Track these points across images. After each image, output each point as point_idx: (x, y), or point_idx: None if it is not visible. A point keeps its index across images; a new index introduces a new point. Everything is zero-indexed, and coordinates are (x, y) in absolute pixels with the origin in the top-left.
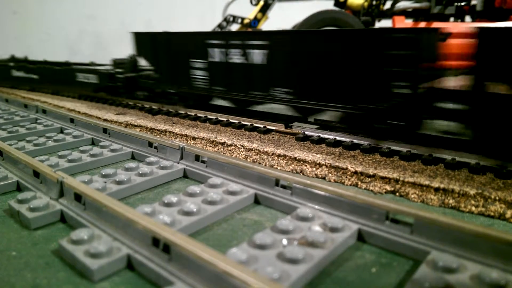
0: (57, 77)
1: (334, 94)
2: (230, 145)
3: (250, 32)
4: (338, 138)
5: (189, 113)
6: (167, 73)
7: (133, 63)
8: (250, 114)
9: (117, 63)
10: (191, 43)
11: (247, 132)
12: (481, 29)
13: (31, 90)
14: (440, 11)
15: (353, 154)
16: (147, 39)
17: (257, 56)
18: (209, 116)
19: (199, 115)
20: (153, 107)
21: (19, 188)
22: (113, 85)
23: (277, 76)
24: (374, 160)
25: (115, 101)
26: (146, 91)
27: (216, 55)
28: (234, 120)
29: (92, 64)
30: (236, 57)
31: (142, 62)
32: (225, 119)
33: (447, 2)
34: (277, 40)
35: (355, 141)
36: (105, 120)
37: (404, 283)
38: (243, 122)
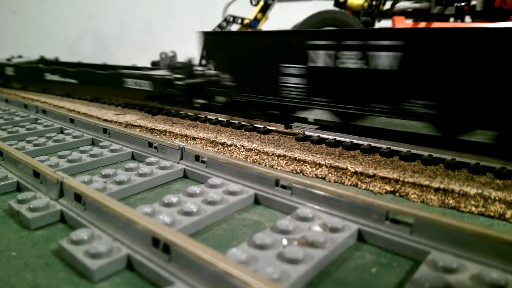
0: (100, 82)
1: None
2: (230, 145)
3: (375, 30)
4: (338, 138)
5: (189, 113)
6: (246, 80)
7: (192, 68)
8: (362, 131)
9: (173, 67)
10: (283, 45)
11: (247, 132)
12: None
13: (66, 96)
14: (440, 12)
15: (353, 154)
16: (221, 40)
17: (384, 59)
18: (209, 116)
19: (199, 115)
20: (154, 108)
21: (19, 188)
22: (171, 93)
23: (416, 85)
24: (374, 160)
25: (166, 111)
26: (213, 100)
27: (320, 58)
28: (234, 120)
29: (143, 68)
30: (351, 61)
31: (200, 67)
32: (225, 119)
33: (447, 3)
34: (419, 38)
35: (355, 141)
36: (105, 120)
37: (404, 283)
38: (243, 123)
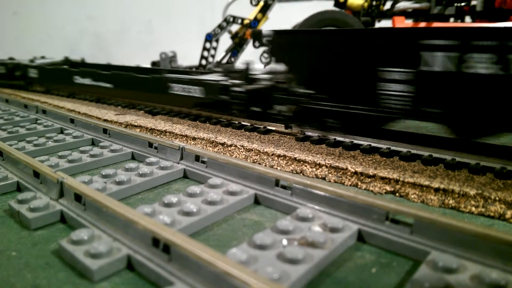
0: (141, 87)
1: None
2: (230, 146)
3: None
4: (338, 138)
5: (189, 114)
6: (325, 86)
7: (249, 73)
8: (489, 151)
9: (228, 71)
10: (385, 45)
11: (247, 132)
12: None
13: (99, 102)
14: (440, 12)
15: (353, 154)
16: (295, 40)
17: None
18: (209, 117)
19: (199, 115)
20: (154, 109)
21: (19, 188)
22: (226, 101)
23: None
24: (374, 160)
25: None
26: (276, 109)
27: (437, 62)
28: (234, 120)
29: (192, 72)
30: (482, 65)
31: (258, 72)
32: (225, 120)
33: (447, 3)
34: None
35: (355, 141)
36: (105, 120)
37: (404, 283)
38: (243, 123)
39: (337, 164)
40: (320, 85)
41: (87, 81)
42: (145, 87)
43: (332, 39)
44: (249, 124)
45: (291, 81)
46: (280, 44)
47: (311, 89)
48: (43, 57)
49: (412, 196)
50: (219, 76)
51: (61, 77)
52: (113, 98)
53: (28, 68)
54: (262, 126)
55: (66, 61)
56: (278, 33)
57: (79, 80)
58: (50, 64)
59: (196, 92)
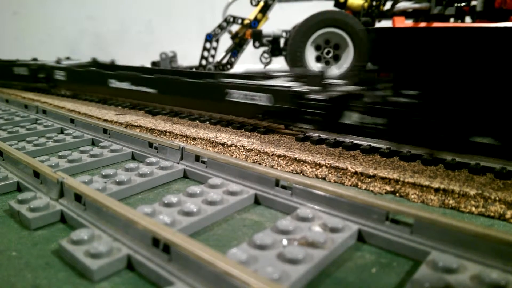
0: (191, 93)
1: None
2: (230, 146)
3: None
4: (338, 138)
5: (189, 114)
6: (440, 94)
7: (324, 78)
8: None
9: (299, 76)
10: None
11: (247, 132)
12: None
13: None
14: (440, 12)
15: (353, 154)
16: (406, 39)
17: None
18: (209, 117)
19: (199, 115)
20: (154, 109)
21: (19, 188)
22: (302, 110)
23: None
24: (374, 160)
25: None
26: (365, 120)
27: None
28: (234, 120)
29: (251, 76)
30: None
31: (335, 79)
32: (225, 120)
33: (447, 3)
34: None
35: (355, 141)
36: (105, 120)
37: (404, 283)
38: (243, 123)
39: (337, 164)
40: (428, 94)
41: (125, 85)
42: (197, 93)
43: (445, 37)
44: (249, 124)
45: (392, 88)
46: (380, 44)
47: (432, 99)
48: (68, 58)
49: (412, 196)
50: (288, 81)
51: (93, 80)
52: (159, 104)
53: (54, 70)
54: (262, 126)
55: (94, 62)
56: (376, 31)
57: (115, 84)
58: (78, 65)
59: (261, 99)
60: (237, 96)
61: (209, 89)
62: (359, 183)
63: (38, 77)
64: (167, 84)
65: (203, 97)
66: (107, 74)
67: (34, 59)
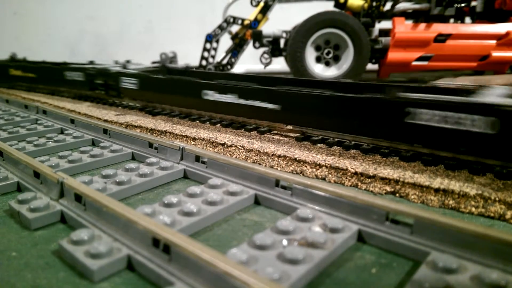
0: (340, 114)
1: None
2: (230, 146)
3: None
4: (338, 138)
5: (189, 114)
6: None
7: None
8: None
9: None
10: None
11: (247, 132)
12: None
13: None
14: (440, 12)
15: (353, 154)
16: None
17: None
18: (209, 117)
19: (199, 115)
20: (155, 109)
21: (19, 188)
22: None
23: None
24: (374, 160)
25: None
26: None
27: None
28: (234, 120)
29: (451, 89)
30: None
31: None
32: (225, 120)
33: (447, 4)
34: None
35: (355, 141)
36: (106, 120)
37: (404, 283)
38: (243, 123)
39: (337, 165)
40: None
41: (228, 98)
42: (351, 114)
43: None
44: (249, 124)
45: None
46: None
47: None
48: (128, 62)
49: (412, 197)
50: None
51: (181, 90)
52: (281, 122)
53: (120, 76)
54: (262, 126)
55: (162, 67)
56: None
57: (212, 96)
58: (146, 71)
59: (475, 125)
60: (427, 118)
61: (375, 107)
62: (359, 184)
63: (96, 84)
64: (293, 99)
65: (354, 118)
66: (201, 83)
67: (91, 62)
